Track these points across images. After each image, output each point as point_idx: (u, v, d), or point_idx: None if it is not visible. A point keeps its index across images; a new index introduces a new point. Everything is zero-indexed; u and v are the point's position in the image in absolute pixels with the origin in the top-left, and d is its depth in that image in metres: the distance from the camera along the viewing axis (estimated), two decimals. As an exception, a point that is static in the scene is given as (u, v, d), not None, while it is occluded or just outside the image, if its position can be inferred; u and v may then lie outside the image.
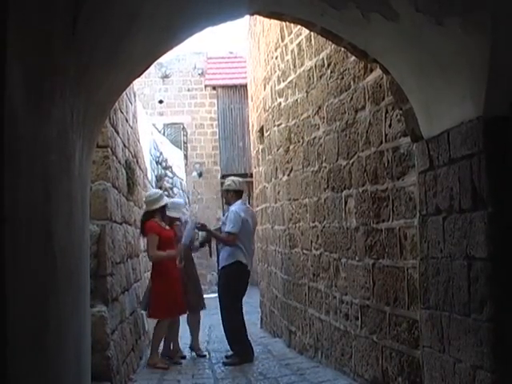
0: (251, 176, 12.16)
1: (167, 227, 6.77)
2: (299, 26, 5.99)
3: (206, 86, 20.72)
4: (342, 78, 5.34)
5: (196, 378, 5.99)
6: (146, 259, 7.04)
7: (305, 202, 6.60)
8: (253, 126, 11.16)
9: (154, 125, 12.99)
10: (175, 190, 13.31)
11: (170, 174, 12.51)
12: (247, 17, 8.87)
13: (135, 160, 7.22)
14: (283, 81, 7.52)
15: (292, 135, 7.11)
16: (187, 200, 17.13)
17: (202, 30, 3.85)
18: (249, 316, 7.02)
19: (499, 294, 2.95)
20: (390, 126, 4.40)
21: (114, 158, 5.50)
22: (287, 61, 7.25)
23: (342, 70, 5.33)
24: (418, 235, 3.78)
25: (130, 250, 6.50)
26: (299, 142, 6.79)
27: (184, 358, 6.96)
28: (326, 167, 5.83)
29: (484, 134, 3.02)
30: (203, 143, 20.79)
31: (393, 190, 4.36)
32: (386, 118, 4.47)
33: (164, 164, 11.69)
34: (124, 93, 5.67)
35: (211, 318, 8.72)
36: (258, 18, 8.28)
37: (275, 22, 7.48)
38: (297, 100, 6.87)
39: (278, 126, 7.86)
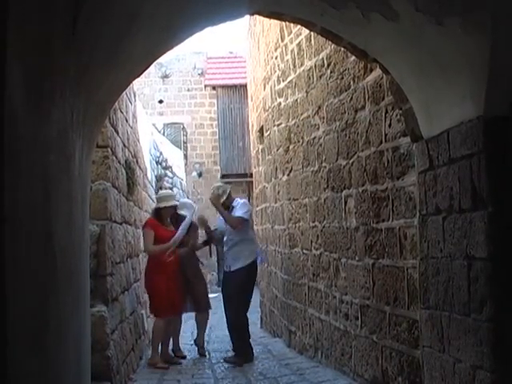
0: (251, 176, 12.17)
1: (171, 228, 6.83)
2: (299, 26, 5.99)
3: (205, 86, 20.72)
4: (342, 77, 5.34)
5: (196, 377, 5.99)
6: (146, 259, 7.03)
7: (305, 202, 6.60)
8: (252, 125, 11.17)
9: (153, 125, 12.99)
10: (175, 189, 13.31)
11: (169, 173, 12.51)
12: (247, 17, 8.87)
13: (135, 160, 7.22)
14: (283, 81, 7.52)
15: (292, 135, 7.11)
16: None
17: (201, 29, 3.85)
18: (249, 316, 7.00)
19: (499, 294, 2.95)
20: (389, 125, 4.40)
21: (114, 157, 5.50)
22: (287, 61, 7.25)
23: (342, 69, 5.33)
24: (418, 235, 3.78)
25: (130, 249, 6.50)
26: (299, 141, 6.79)
27: (184, 357, 6.96)
28: (325, 167, 5.83)
29: (484, 134, 3.02)
30: (203, 143, 20.80)
31: (393, 190, 4.36)
32: (385, 117, 4.47)
33: (164, 164, 11.69)
34: (124, 93, 5.67)
35: (211, 318, 8.71)
36: (258, 17, 8.28)
37: (275, 22, 7.48)
38: (297, 100, 6.87)
39: (278, 125, 7.86)
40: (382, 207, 4.54)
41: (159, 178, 10.74)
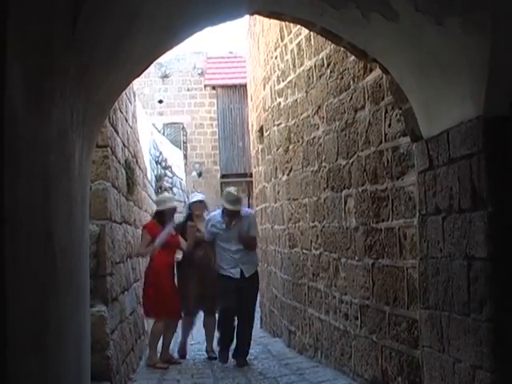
0: (251, 176, 12.17)
1: (172, 231, 6.84)
2: (299, 26, 5.99)
3: (205, 86, 20.73)
4: (342, 77, 5.34)
5: (196, 377, 5.99)
6: (146, 259, 7.03)
7: (304, 202, 6.60)
8: (252, 125, 11.17)
9: (153, 125, 12.99)
10: (175, 189, 13.31)
11: (169, 173, 12.51)
12: (247, 17, 8.86)
13: (135, 160, 7.22)
14: (283, 80, 7.52)
15: (292, 135, 7.11)
16: (187, 200, 17.13)
17: (201, 29, 3.86)
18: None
19: (499, 294, 2.95)
20: (389, 125, 4.40)
21: (114, 157, 5.50)
22: (287, 60, 7.26)
23: (342, 69, 5.33)
24: (418, 235, 3.79)
25: (130, 249, 6.50)
26: (299, 141, 6.79)
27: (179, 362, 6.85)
28: (325, 167, 5.83)
29: (484, 134, 3.02)
30: (203, 143, 20.80)
31: (392, 190, 4.36)
32: (385, 117, 4.47)
33: (164, 164, 11.69)
34: (124, 92, 5.67)
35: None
36: (258, 17, 8.28)
37: (275, 22, 7.48)
38: (296, 100, 6.87)
39: (278, 125, 7.86)
40: (382, 207, 4.54)
41: (159, 178, 10.74)
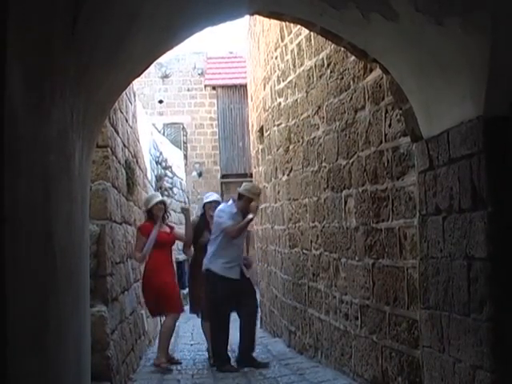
0: (251, 176, 12.17)
1: (166, 228, 6.81)
2: (299, 26, 5.99)
3: (205, 86, 20.73)
4: (342, 77, 5.34)
5: (196, 377, 5.99)
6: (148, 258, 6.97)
7: (304, 202, 6.60)
8: (252, 125, 11.17)
9: (153, 125, 12.99)
10: (175, 189, 13.31)
11: (169, 173, 12.51)
12: (247, 17, 8.87)
13: (135, 160, 7.22)
14: (283, 81, 7.52)
15: (292, 135, 7.11)
16: (187, 200, 17.13)
17: (201, 29, 3.86)
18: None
19: (499, 294, 2.95)
20: (389, 125, 4.40)
21: (114, 157, 5.50)
22: (287, 61, 7.25)
23: (342, 69, 5.33)
24: (418, 235, 3.79)
25: (130, 249, 6.50)
26: (299, 141, 6.79)
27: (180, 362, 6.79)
28: (325, 167, 5.83)
29: (484, 134, 3.02)
30: (203, 143, 20.80)
31: (392, 190, 4.36)
32: (385, 117, 4.47)
33: (164, 164, 11.69)
34: (124, 93, 5.67)
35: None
36: (258, 17, 8.27)
37: (275, 22, 7.48)
38: (296, 100, 6.87)
39: (278, 125, 7.86)
40: (382, 207, 4.54)
41: (159, 178, 10.74)
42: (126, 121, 6.60)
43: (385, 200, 4.49)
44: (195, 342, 8.07)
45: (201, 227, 6.89)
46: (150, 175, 9.46)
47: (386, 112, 4.45)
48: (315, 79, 6.11)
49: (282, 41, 7.44)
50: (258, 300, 9.01)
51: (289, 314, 7.44)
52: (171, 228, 6.95)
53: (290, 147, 7.18)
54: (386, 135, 4.47)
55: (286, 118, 7.39)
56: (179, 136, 20.37)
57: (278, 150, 7.93)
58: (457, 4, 2.86)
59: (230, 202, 6.75)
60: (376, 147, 4.63)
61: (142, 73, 4.01)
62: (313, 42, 6.10)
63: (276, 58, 7.90)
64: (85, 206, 3.36)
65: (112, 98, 3.96)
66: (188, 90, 21.08)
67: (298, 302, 6.96)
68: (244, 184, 6.90)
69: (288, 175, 7.33)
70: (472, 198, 3.10)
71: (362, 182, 4.91)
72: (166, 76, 20.99)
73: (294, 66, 6.91)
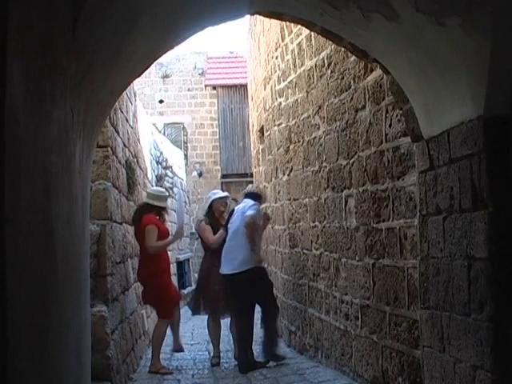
0: (251, 176, 12.18)
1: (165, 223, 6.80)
2: (299, 26, 5.99)
3: (206, 86, 20.73)
4: (343, 77, 5.34)
5: (196, 377, 5.99)
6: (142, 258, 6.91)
7: (305, 202, 6.60)
8: (253, 125, 11.17)
9: (154, 124, 12.99)
10: (175, 189, 13.30)
11: (170, 173, 12.50)
12: (247, 17, 8.87)
13: (135, 160, 7.22)
14: (283, 80, 7.52)
15: (292, 135, 7.11)
16: (187, 200, 17.13)
17: (202, 29, 3.86)
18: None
19: (499, 294, 2.95)
20: (390, 125, 4.40)
21: (115, 157, 5.51)
22: (287, 60, 7.26)
23: (343, 69, 5.33)
24: (418, 235, 3.78)
25: (130, 249, 6.50)
26: (299, 141, 6.79)
27: (182, 350, 6.77)
28: (326, 167, 5.83)
29: (484, 134, 3.02)
30: (203, 143, 20.79)
31: (393, 190, 4.36)
32: (386, 117, 4.47)
33: (164, 164, 11.68)
34: (124, 92, 5.67)
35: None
36: (259, 17, 8.28)
37: (275, 22, 7.48)
38: (297, 100, 6.87)
39: (278, 125, 7.86)
40: (383, 207, 4.54)
41: (159, 178, 10.73)
42: (127, 121, 6.61)
43: (385, 200, 4.49)
44: (195, 342, 8.07)
45: (214, 225, 6.74)
46: (151, 175, 9.46)
47: (387, 112, 4.45)
48: (316, 79, 6.11)
49: (283, 41, 7.44)
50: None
51: (289, 313, 7.44)
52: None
53: (291, 147, 7.18)
54: (386, 135, 4.47)
55: (286, 117, 7.39)
56: (179, 136, 20.37)
57: (278, 149, 7.93)
58: (457, 4, 2.86)
59: (252, 201, 6.66)
60: (376, 147, 4.64)
61: (142, 73, 4.01)
62: (313, 41, 6.10)
63: (276, 57, 7.90)
64: (85, 205, 3.36)
65: (112, 98, 3.97)
66: (188, 89, 21.07)
67: (299, 302, 6.96)
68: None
69: (288, 175, 7.33)
70: (472, 198, 3.10)
71: (363, 181, 4.91)
72: (166, 76, 20.98)
73: (295, 66, 6.91)
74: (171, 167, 12.77)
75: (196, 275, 8.93)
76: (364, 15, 3.35)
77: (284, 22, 6.70)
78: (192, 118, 20.85)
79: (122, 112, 6.22)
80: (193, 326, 9.36)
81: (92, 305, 4.32)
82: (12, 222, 1.61)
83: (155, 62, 4.60)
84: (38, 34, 1.92)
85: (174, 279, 12.88)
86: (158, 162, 10.78)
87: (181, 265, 14.32)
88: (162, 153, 11.45)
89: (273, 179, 8.44)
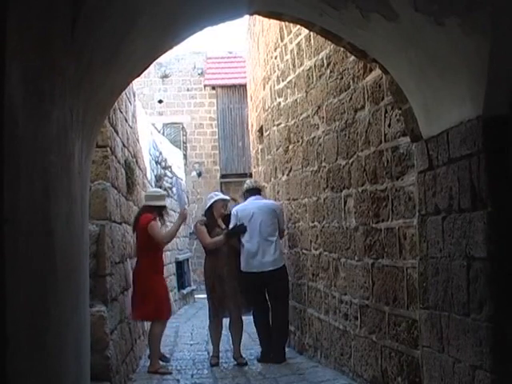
0: (250, 176, 12.17)
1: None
2: (298, 26, 5.99)
3: (205, 86, 20.72)
4: (342, 77, 5.34)
5: (196, 377, 5.99)
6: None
7: (304, 202, 6.60)
8: (252, 125, 11.16)
9: (153, 124, 12.98)
10: (174, 189, 13.30)
11: (169, 173, 12.50)
12: (247, 17, 8.86)
13: (135, 160, 7.21)
14: (282, 80, 7.52)
15: (291, 135, 7.11)
16: (186, 200, 17.12)
17: (201, 29, 3.86)
18: (249, 315, 6.98)
19: (498, 294, 2.95)
20: (389, 125, 4.40)
21: (114, 157, 5.50)
22: (286, 60, 7.26)
23: (342, 69, 5.33)
24: (418, 235, 3.79)
25: (130, 249, 6.50)
26: (298, 141, 6.79)
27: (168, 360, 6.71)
28: (325, 167, 5.83)
29: (483, 134, 3.02)
30: (202, 143, 20.79)
31: (392, 190, 4.36)
32: (385, 117, 4.47)
33: (163, 164, 11.68)
34: (123, 93, 5.67)
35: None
36: (258, 17, 8.27)
37: (274, 22, 7.48)
38: (296, 100, 6.87)
39: (278, 125, 7.86)
40: (382, 207, 4.55)
41: (159, 178, 10.73)
42: (126, 121, 6.60)
43: (384, 200, 4.49)
44: (195, 342, 8.07)
45: (210, 225, 6.76)
46: (150, 175, 9.46)
47: (386, 112, 4.45)
48: (315, 79, 6.12)
49: (282, 41, 7.44)
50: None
51: (288, 313, 7.44)
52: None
53: (290, 147, 7.18)
54: (385, 135, 4.47)
55: (285, 117, 7.39)
56: (179, 136, 20.37)
57: (277, 149, 7.93)
58: (456, 4, 2.86)
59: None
60: (376, 147, 4.64)
61: (141, 73, 4.01)
62: (312, 41, 6.10)
63: (275, 57, 7.90)
64: (84, 205, 3.36)
65: (112, 98, 3.96)
66: (188, 89, 21.07)
67: (298, 302, 6.96)
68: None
69: (287, 175, 7.33)
70: (471, 198, 3.10)
71: (362, 181, 4.91)
72: (165, 76, 20.98)
73: (294, 66, 6.91)
74: (170, 167, 12.77)
75: (195, 275, 8.92)
76: (363, 15, 3.35)
77: (283, 22, 6.69)
78: (191, 118, 20.85)
79: (122, 112, 6.21)
80: (192, 327, 9.37)
81: (91, 305, 4.32)
82: (11, 222, 1.61)
83: (154, 62, 4.60)
84: (37, 34, 1.92)
85: (174, 279, 12.91)
86: (157, 162, 10.78)
87: (180, 265, 14.32)
88: (161, 153, 11.44)
89: (272, 179, 8.44)
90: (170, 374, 6.12)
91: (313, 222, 6.28)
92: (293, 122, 7.02)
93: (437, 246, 3.48)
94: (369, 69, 4.70)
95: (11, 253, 1.61)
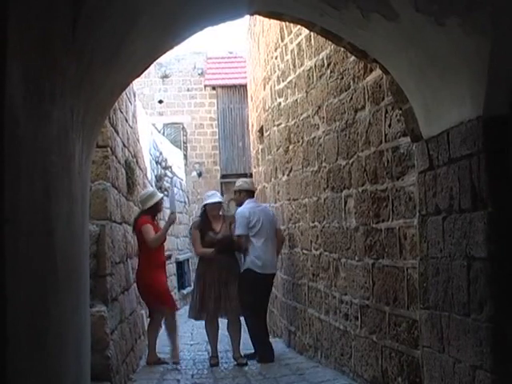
0: (251, 176, 12.17)
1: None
2: (299, 26, 5.99)
3: (205, 86, 20.73)
4: (342, 77, 5.34)
5: (196, 377, 5.99)
6: (139, 257, 6.92)
7: (304, 202, 6.60)
8: (252, 125, 11.17)
9: (153, 125, 12.99)
10: (175, 189, 13.31)
11: (169, 173, 12.51)
12: (247, 17, 8.87)
13: (135, 160, 7.21)
14: (283, 81, 7.52)
15: (292, 135, 7.11)
16: (187, 200, 17.13)
17: (202, 29, 3.86)
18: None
19: (499, 294, 2.95)
20: (389, 125, 4.40)
21: (114, 157, 5.50)
22: (287, 61, 7.26)
23: (342, 69, 5.33)
24: (418, 235, 3.79)
25: (130, 249, 6.50)
26: (299, 141, 6.79)
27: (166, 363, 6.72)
28: (325, 167, 5.83)
29: (483, 134, 3.02)
30: (203, 143, 20.80)
31: (392, 190, 4.36)
32: (385, 117, 4.47)
33: (164, 164, 11.69)
34: (124, 93, 5.67)
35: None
36: (258, 17, 8.28)
37: (275, 22, 7.48)
38: (296, 100, 6.87)
39: (278, 125, 7.86)
40: (382, 207, 4.54)
41: (159, 178, 10.74)
42: (126, 121, 6.60)
43: (385, 200, 4.49)
44: (195, 342, 8.07)
45: (204, 228, 6.77)
46: (150, 175, 9.46)
47: (386, 112, 4.45)
48: (315, 79, 6.12)
49: (282, 41, 7.44)
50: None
51: (288, 314, 7.44)
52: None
53: (290, 147, 7.18)
54: (385, 135, 4.47)
55: (285, 118, 7.39)
56: (179, 136, 20.38)
57: (277, 150, 7.93)
58: (456, 4, 2.86)
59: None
60: (376, 147, 4.64)
61: (142, 73, 4.01)
62: (313, 42, 6.10)
63: (276, 58, 7.90)
64: (85, 206, 3.36)
65: (112, 98, 3.96)
66: (188, 90, 21.08)
67: (298, 302, 6.96)
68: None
69: (288, 175, 7.33)
70: (472, 198, 3.10)
71: (362, 182, 4.91)
72: (165, 76, 20.98)
73: (294, 66, 6.92)
74: (170, 167, 12.78)
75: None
76: (363, 15, 3.35)
77: (283, 22, 6.70)
78: (191, 118, 20.86)
79: (122, 112, 6.21)
80: (192, 327, 9.36)
81: (91, 305, 4.32)
82: (12, 222, 1.61)
83: (155, 62, 4.60)
84: (38, 34, 1.92)
85: (174, 279, 12.91)
86: (157, 162, 10.78)
87: (180, 265, 14.33)
88: (161, 153, 11.45)
89: (272, 179, 8.44)
90: (167, 363, 6.36)
91: (313, 222, 6.28)
92: (293, 122, 7.02)
93: (437, 246, 3.48)
94: (369, 69, 4.70)
95: (12, 253, 1.61)
